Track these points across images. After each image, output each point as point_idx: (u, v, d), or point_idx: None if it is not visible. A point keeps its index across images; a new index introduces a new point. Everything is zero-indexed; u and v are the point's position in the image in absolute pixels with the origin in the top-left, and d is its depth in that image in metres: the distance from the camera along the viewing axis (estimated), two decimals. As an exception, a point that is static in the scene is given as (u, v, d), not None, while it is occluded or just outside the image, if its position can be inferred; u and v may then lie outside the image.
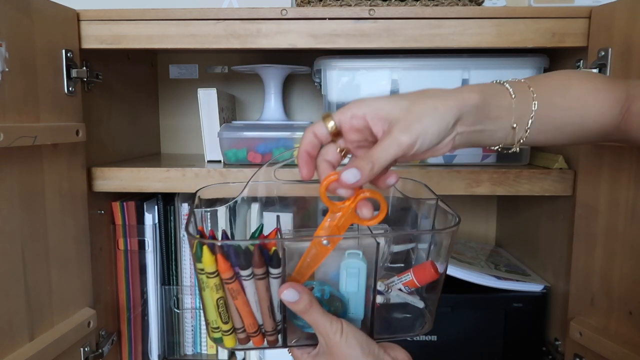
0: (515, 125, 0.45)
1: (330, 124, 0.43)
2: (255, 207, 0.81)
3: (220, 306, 0.45)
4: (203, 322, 0.87)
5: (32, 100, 0.61)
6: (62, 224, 0.67)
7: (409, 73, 0.76)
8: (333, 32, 0.69)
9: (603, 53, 0.65)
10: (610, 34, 0.64)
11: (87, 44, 0.70)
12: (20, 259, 0.60)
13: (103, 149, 0.80)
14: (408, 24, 0.69)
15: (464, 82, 0.76)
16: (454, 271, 0.77)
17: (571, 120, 0.47)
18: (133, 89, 0.93)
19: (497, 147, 0.48)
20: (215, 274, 0.44)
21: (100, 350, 0.75)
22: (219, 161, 0.83)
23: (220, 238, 0.48)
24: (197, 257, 0.43)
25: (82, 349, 0.70)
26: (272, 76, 0.88)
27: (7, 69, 0.56)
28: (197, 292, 0.86)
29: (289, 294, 0.43)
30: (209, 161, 0.83)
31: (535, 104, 0.45)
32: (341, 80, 0.77)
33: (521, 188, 0.72)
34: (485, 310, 0.78)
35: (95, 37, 0.70)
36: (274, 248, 0.44)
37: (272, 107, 0.89)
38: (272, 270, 0.44)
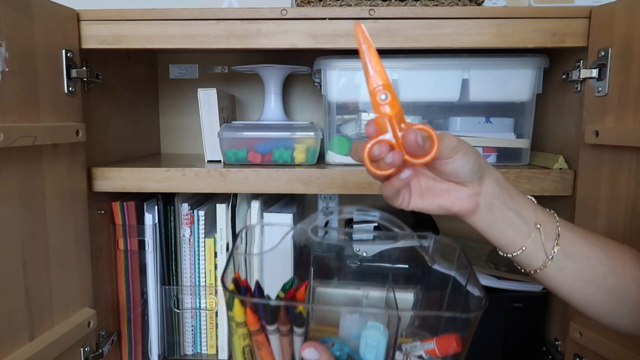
0: (539, 226, 0.47)
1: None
2: (255, 206, 0.81)
3: (246, 353, 0.48)
4: (203, 322, 0.87)
5: (32, 100, 0.61)
6: (62, 224, 0.67)
7: (409, 73, 0.76)
8: (333, 32, 0.69)
9: (603, 53, 0.65)
10: (610, 34, 0.64)
11: (87, 44, 0.70)
12: (20, 259, 0.60)
13: (103, 149, 0.80)
14: (408, 24, 0.69)
15: (464, 82, 0.76)
16: (454, 271, 0.77)
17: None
18: (133, 89, 0.93)
19: (520, 250, 0.48)
20: (244, 324, 0.46)
21: (100, 351, 0.75)
22: (219, 161, 0.83)
23: (253, 290, 0.51)
24: (228, 306, 0.46)
25: (82, 349, 0.70)
26: (272, 76, 0.88)
27: (7, 69, 0.56)
28: (197, 292, 0.86)
29: (309, 353, 0.44)
30: (209, 161, 0.83)
31: (558, 224, 0.48)
32: (341, 80, 0.77)
33: (521, 188, 0.72)
34: (485, 310, 0.78)
35: (95, 37, 0.70)
36: (300, 307, 0.46)
37: (272, 107, 0.89)
38: (296, 329, 0.46)
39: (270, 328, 0.46)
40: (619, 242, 0.51)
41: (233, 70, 0.94)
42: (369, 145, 0.42)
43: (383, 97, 0.42)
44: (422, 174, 0.49)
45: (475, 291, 0.49)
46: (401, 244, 0.83)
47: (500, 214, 0.47)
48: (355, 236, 0.88)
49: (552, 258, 0.48)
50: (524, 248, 0.48)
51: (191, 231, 0.84)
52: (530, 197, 0.50)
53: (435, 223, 0.89)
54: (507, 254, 0.49)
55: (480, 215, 0.48)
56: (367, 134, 0.43)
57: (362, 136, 0.79)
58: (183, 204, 0.83)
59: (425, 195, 0.48)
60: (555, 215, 0.49)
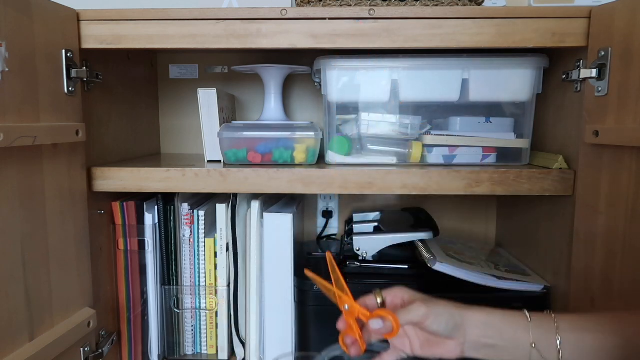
0: (534, 345, 0.52)
1: (379, 299, 0.58)
2: (255, 206, 0.81)
3: None
4: (203, 322, 0.87)
5: (32, 100, 0.61)
6: (62, 224, 0.67)
7: (409, 73, 0.76)
8: (333, 32, 0.69)
9: (603, 53, 0.65)
10: (610, 34, 0.64)
11: (87, 44, 0.70)
12: (20, 259, 0.60)
13: (103, 149, 0.80)
14: (408, 24, 0.69)
15: (464, 82, 0.76)
16: (454, 271, 0.77)
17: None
18: (133, 89, 0.93)
19: None
20: None
21: (100, 351, 0.75)
22: (219, 161, 0.83)
23: None
24: None
25: (82, 349, 0.70)
26: (272, 76, 0.88)
27: (7, 69, 0.56)
28: (197, 292, 0.86)
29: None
30: (209, 161, 0.83)
31: (557, 327, 0.52)
32: (341, 80, 0.77)
33: (521, 188, 0.72)
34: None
35: (95, 37, 0.70)
36: None
37: (272, 107, 0.89)
38: None
39: None
40: (619, 242, 0.51)
41: (233, 70, 0.94)
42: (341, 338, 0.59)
43: (346, 307, 0.57)
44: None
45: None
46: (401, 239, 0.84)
47: (492, 351, 0.54)
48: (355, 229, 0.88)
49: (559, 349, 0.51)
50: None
51: (191, 231, 0.84)
52: (525, 312, 0.55)
53: (436, 223, 0.89)
54: None
55: (472, 357, 0.55)
56: (338, 327, 0.59)
57: (362, 136, 0.79)
58: (183, 204, 0.83)
59: (425, 346, 0.57)
60: (554, 317, 0.53)
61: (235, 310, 0.86)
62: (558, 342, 0.51)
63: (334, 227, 1.09)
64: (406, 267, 0.83)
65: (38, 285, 0.63)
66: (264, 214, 0.81)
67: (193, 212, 0.83)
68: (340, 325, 0.58)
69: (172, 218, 0.83)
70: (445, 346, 0.55)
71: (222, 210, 0.83)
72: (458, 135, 0.78)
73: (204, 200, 0.89)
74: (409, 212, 0.99)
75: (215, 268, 0.85)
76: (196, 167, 0.74)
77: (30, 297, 0.61)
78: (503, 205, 1.04)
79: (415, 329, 0.57)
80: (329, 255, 0.60)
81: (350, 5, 0.71)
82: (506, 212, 1.02)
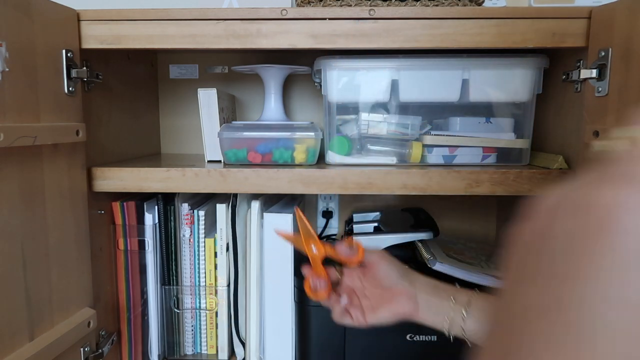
0: (447, 318, 0.59)
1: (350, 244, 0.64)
2: (255, 206, 0.81)
3: None
4: (203, 322, 0.87)
5: (32, 100, 0.61)
6: (62, 224, 0.67)
7: (409, 73, 0.76)
8: (333, 32, 0.69)
9: (603, 53, 0.65)
10: (610, 34, 0.64)
11: (87, 44, 0.70)
12: (20, 259, 0.60)
13: (103, 148, 0.80)
14: (408, 24, 0.69)
15: (464, 82, 0.76)
16: (454, 271, 0.77)
17: None
18: (133, 89, 0.93)
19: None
20: None
21: (100, 350, 0.75)
22: (219, 161, 0.83)
23: None
24: None
25: (82, 349, 0.70)
26: (272, 76, 0.88)
27: (7, 69, 0.56)
28: (197, 292, 0.86)
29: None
30: (209, 161, 0.83)
31: (469, 302, 0.60)
32: (341, 80, 0.77)
33: (521, 188, 0.72)
34: (485, 310, 0.78)
35: (95, 37, 0.70)
36: None
37: (272, 107, 0.89)
38: None
39: None
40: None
41: (233, 70, 0.94)
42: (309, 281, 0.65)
43: (314, 249, 0.64)
44: (366, 296, 0.63)
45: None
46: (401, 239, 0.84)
47: (438, 304, 0.60)
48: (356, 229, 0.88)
49: (464, 319, 0.58)
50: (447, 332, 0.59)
51: (191, 231, 0.84)
52: (456, 286, 0.63)
53: (436, 223, 0.89)
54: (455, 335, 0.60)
55: (423, 312, 0.60)
56: (304, 273, 0.65)
57: (362, 136, 0.79)
58: (183, 204, 0.83)
59: (376, 308, 0.61)
60: (471, 294, 0.60)
61: (235, 310, 0.86)
62: (463, 314, 0.58)
63: (334, 227, 1.09)
64: (406, 267, 0.83)
65: (38, 285, 0.63)
66: (264, 214, 0.81)
67: (193, 212, 0.83)
68: (306, 270, 0.64)
69: (172, 218, 0.83)
70: (399, 299, 0.60)
71: (222, 210, 0.83)
72: (458, 136, 0.78)
73: (204, 200, 0.89)
74: (409, 212, 0.99)
75: (215, 268, 0.85)
76: (196, 167, 0.74)
77: (30, 297, 0.61)
78: (503, 205, 1.04)
79: (371, 284, 0.63)
80: (297, 211, 0.65)
81: (350, 5, 0.71)
82: (506, 212, 1.02)
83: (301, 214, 0.64)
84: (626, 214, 0.20)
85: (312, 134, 0.77)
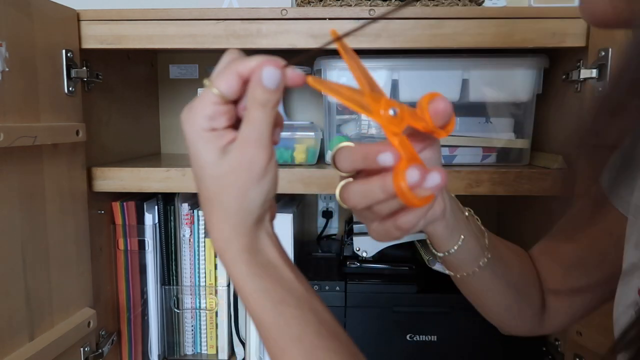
0: (470, 212, 0.47)
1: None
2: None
3: None
4: (203, 322, 0.87)
5: (32, 100, 0.61)
6: (62, 224, 0.67)
7: (409, 73, 0.76)
8: (333, 32, 0.69)
9: (603, 53, 0.65)
10: (610, 34, 0.64)
11: (87, 44, 0.70)
12: (20, 259, 0.60)
13: (103, 149, 0.80)
14: (408, 24, 0.69)
15: (464, 82, 0.76)
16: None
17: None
18: (133, 89, 0.93)
19: (461, 240, 0.45)
20: None
21: (100, 350, 0.75)
22: (219, 161, 0.83)
23: None
24: None
25: (82, 349, 0.70)
26: (272, 76, 0.88)
27: (7, 69, 0.56)
28: (197, 292, 0.86)
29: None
30: (209, 161, 0.83)
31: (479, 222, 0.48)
32: (341, 80, 0.77)
33: (521, 188, 0.71)
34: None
35: (95, 37, 0.70)
36: None
37: (272, 107, 0.89)
38: None
39: None
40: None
41: (233, 70, 0.94)
42: (406, 172, 0.31)
43: (392, 111, 0.35)
44: None
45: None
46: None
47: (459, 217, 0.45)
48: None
49: (487, 249, 0.46)
50: (456, 247, 0.44)
51: (191, 231, 0.84)
52: (470, 212, 0.48)
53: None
54: (446, 251, 0.45)
55: (446, 219, 0.43)
56: (385, 161, 0.32)
57: (362, 136, 0.79)
58: (183, 204, 0.83)
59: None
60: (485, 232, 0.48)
61: (235, 310, 0.86)
62: (482, 229, 0.47)
63: (334, 227, 1.09)
64: (406, 267, 0.83)
65: (38, 285, 0.63)
66: (264, 214, 0.81)
67: (193, 212, 0.83)
68: (388, 156, 0.32)
69: (172, 218, 0.83)
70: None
71: (222, 210, 0.83)
72: (458, 135, 0.78)
73: (204, 200, 0.89)
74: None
75: (215, 268, 0.85)
76: (196, 167, 0.74)
77: (30, 297, 0.61)
78: (503, 205, 1.04)
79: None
80: (335, 34, 0.39)
81: (350, 5, 0.71)
82: (506, 212, 1.02)
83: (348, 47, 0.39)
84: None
85: (312, 134, 0.77)
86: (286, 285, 0.36)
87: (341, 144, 0.37)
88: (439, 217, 0.41)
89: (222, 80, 0.34)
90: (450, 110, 0.34)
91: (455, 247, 0.45)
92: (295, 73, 0.35)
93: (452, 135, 0.78)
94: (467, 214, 0.46)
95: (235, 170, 0.33)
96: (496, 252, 0.48)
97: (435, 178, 0.32)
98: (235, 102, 0.36)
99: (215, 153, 0.34)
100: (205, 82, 0.35)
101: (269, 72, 0.33)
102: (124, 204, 0.81)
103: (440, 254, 0.46)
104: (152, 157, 0.96)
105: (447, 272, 0.50)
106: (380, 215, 0.36)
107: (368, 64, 0.76)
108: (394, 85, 0.77)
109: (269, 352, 0.35)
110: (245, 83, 0.34)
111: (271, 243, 0.37)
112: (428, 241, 0.47)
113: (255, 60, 0.33)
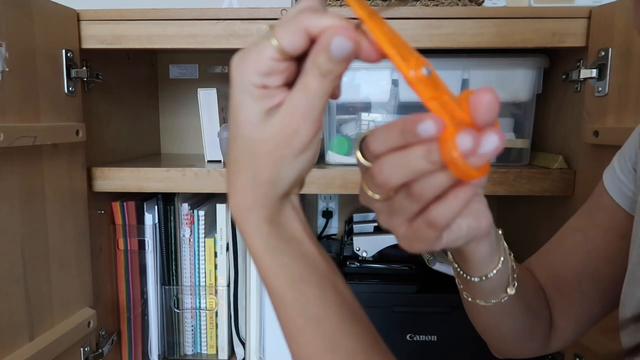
0: (500, 233, 0.43)
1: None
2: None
3: None
4: (203, 322, 0.87)
5: (32, 100, 0.61)
6: (62, 224, 0.67)
7: (409, 73, 0.76)
8: (333, 32, 0.69)
9: (603, 53, 0.65)
10: (610, 34, 0.64)
11: (87, 44, 0.70)
12: (20, 259, 0.60)
13: (103, 149, 0.80)
14: (408, 24, 0.68)
15: (464, 82, 0.76)
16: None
17: None
18: (133, 89, 0.93)
19: (495, 270, 0.41)
20: None
21: (100, 350, 0.75)
22: (219, 161, 0.83)
23: None
24: None
25: (82, 349, 0.70)
26: (272, 76, 0.88)
27: (7, 69, 0.56)
28: (197, 292, 0.86)
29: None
30: (209, 161, 0.83)
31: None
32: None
33: (521, 188, 0.71)
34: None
35: (95, 37, 0.70)
36: None
37: (272, 107, 0.89)
38: None
39: None
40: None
41: (233, 70, 0.94)
42: (456, 139, 0.26)
43: (425, 71, 0.29)
44: None
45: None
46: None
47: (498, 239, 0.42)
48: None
49: (514, 278, 0.42)
50: (495, 271, 0.40)
51: (191, 231, 0.84)
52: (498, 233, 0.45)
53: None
54: (484, 275, 0.41)
55: (490, 236, 0.39)
56: (428, 131, 0.27)
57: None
58: (183, 204, 0.83)
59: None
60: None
61: (235, 310, 0.86)
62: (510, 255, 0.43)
63: (334, 227, 1.09)
64: (406, 267, 0.84)
65: (38, 285, 0.63)
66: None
67: (193, 212, 0.83)
68: (429, 125, 0.27)
69: (172, 218, 0.83)
70: (477, 206, 0.35)
71: (222, 210, 0.83)
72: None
73: (204, 200, 0.89)
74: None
75: (215, 268, 0.85)
76: (196, 167, 0.74)
77: (30, 297, 0.61)
78: (503, 205, 1.04)
79: None
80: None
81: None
82: (506, 212, 1.02)
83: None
84: None
85: (312, 134, 0.77)
86: (309, 262, 0.32)
87: (364, 132, 0.33)
88: (485, 231, 0.35)
89: (286, 32, 0.28)
90: (496, 107, 0.26)
91: (495, 271, 0.39)
92: (372, 48, 0.29)
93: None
94: (500, 231, 0.41)
95: (275, 138, 0.29)
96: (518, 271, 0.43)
97: (492, 140, 0.26)
98: (298, 58, 0.29)
99: (259, 114, 0.29)
100: (266, 28, 0.29)
101: (340, 42, 0.27)
102: (124, 204, 0.81)
103: (476, 279, 0.40)
104: (152, 157, 0.96)
105: (469, 299, 0.45)
106: (421, 201, 0.29)
107: (368, 63, 0.76)
108: (394, 85, 0.77)
109: (284, 330, 0.32)
110: (313, 41, 0.28)
111: (296, 216, 0.33)
112: (457, 268, 0.41)
113: (329, 20, 0.28)
